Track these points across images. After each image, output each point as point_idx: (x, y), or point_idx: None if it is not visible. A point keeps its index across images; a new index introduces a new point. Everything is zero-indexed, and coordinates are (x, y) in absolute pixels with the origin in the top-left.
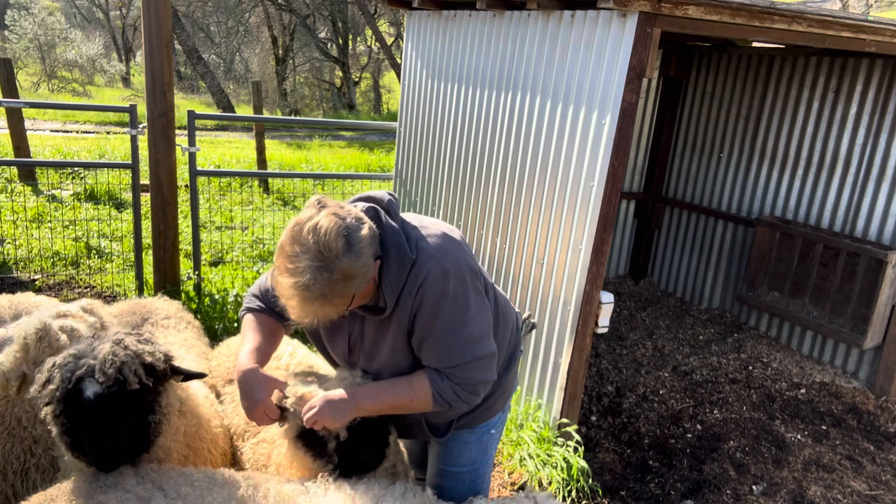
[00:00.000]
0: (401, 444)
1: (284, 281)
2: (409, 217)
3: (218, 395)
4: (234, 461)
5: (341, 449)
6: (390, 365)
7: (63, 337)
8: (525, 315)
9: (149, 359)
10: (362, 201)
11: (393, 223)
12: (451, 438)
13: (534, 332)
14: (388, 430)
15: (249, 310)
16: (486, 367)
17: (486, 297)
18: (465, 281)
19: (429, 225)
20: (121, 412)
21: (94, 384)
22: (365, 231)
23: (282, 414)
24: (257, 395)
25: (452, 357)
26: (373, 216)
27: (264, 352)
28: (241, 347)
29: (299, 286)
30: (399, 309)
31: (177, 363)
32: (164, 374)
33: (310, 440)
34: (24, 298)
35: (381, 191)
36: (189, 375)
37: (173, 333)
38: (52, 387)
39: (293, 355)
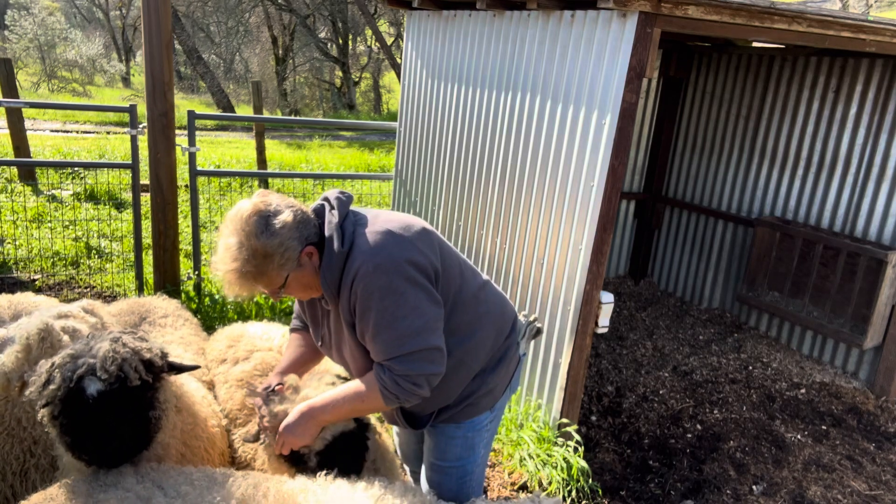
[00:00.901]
0: (395, 439)
1: (214, 259)
2: (368, 212)
3: (212, 388)
4: (234, 461)
5: (321, 459)
6: (349, 357)
7: (65, 338)
8: (532, 318)
9: (147, 355)
10: (322, 200)
11: (333, 218)
12: (438, 432)
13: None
14: (365, 437)
15: (291, 329)
16: (428, 359)
17: (432, 290)
18: (401, 275)
19: (379, 221)
20: (123, 409)
21: (96, 382)
22: (285, 215)
23: (258, 434)
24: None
25: (389, 350)
26: (320, 213)
27: (293, 370)
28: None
29: (220, 261)
30: (341, 302)
31: (172, 359)
32: (162, 369)
33: (290, 456)
34: (24, 298)
35: (335, 189)
36: (183, 368)
37: (170, 331)
38: (52, 387)
39: (285, 336)
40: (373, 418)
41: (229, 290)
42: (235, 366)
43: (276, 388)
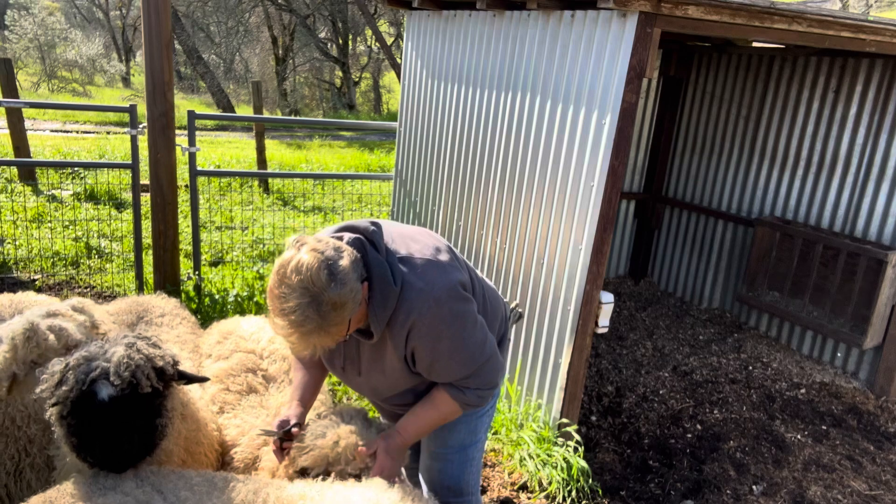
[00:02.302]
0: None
1: (279, 321)
2: (396, 233)
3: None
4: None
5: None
6: (388, 383)
7: (51, 337)
8: (513, 305)
9: (160, 363)
10: (346, 231)
11: (378, 254)
12: None
13: (532, 331)
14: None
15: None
16: (495, 363)
17: (474, 298)
18: (455, 300)
19: (415, 247)
20: (132, 415)
21: (108, 386)
22: (345, 260)
23: (282, 447)
24: (273, 429)
25: (466, 368)
26: (358, 247)
27: (307, 387)
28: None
29: (293, 324)
30: (393, 337)
31: (183, 368)
32: (173, 377)
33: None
34: (26, 298)
35: (364, 220)
36: (193, 379)
37: (166, 330)
38: (65, 388)
39: (272, 341)
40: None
41: (300, 348)
42: (216, 363)
43: (293, 430)
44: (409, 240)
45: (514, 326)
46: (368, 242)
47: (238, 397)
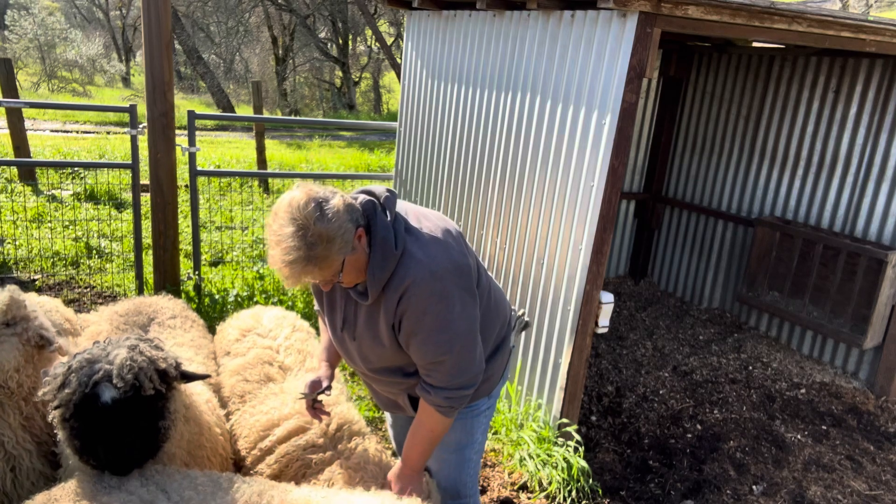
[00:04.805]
0: (390, 432)
1: (273, 252)
2: (412, 210)
3: (218, 395)
4: (237, 466)
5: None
6: (377, 353)
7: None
8: (520, 313)
9: (162, 365)
10: (362, 194)
11: (386, 218)
12: None
13: (532, 331)
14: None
15: (317, 309)
16: (472, 359)
17: (476, 292)
18: (452, 281)
19: (426, 224)
20: (135, 417)
21: (111, 389)
22: (336, 200)
23: (314, 407)
24: (305, 390)
25: (439, 351)
26: (369, 208)
27: (332, 347)
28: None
29: (284, 251)
30: (386, 302)
31: (185, 367)
32: (175, 379)
33: None
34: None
35: (381, 186)
36: (194, 377)
37: (180, 333)
38: (67, 391)
39: (288, 338)
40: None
41: (292, 281)
42: (234, 360)
43: (326, 392)
44: (422, 217)
45: (523, 335)
46: (381, 206)
47: (258, 386)
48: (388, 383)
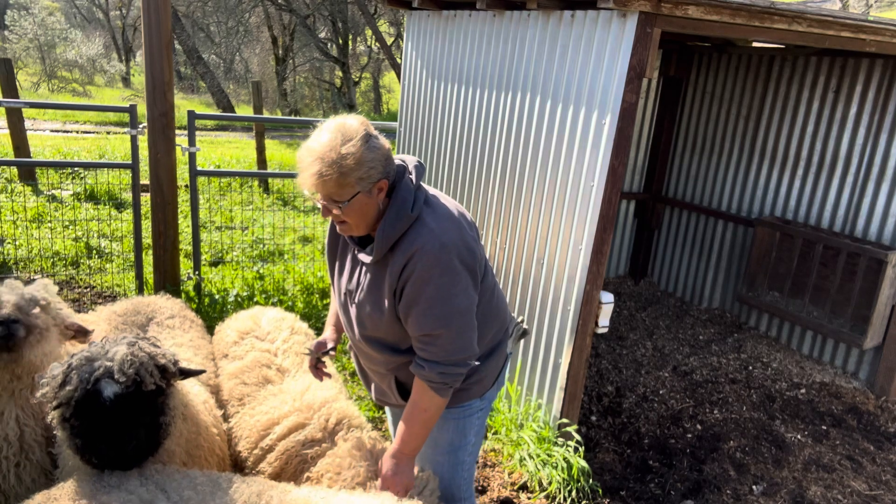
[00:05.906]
0: (391, 430)
1: (308, 147)
2: (438, 192)
3: (217, 398)
4: (235, 466)
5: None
6: (374, 320)
7: None
8: (519, 319)
9: (162, 360)
10: (399, 159)
11: (410, 182)
12: None
13: (532, 331)
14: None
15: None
16: (469, 339)
17: (478, 278)
18: (460, 257)
19: (446, 203)
20: (137, 413)
21: (113, 385)
22: (384, 141)
23: (317, 366)
24: (311, 348)
25: (437, 324)
26: (400, 171)
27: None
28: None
29: (319, 144)
30: (392, 265)
31: (182, 364)
32: (174, 375)
33: None
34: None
35: (413, 157)
36: (191, 373)
37: (179, 334)
38: (69, 388)
39: (286, 341)
40: (364, 418)
41: (305, 175)
42: (232, 363)
43: (331, 352)
44: (444, 198)
45: (521, 342)
46: (407, 170)
47: (256, 389)
48: (378, 361)
